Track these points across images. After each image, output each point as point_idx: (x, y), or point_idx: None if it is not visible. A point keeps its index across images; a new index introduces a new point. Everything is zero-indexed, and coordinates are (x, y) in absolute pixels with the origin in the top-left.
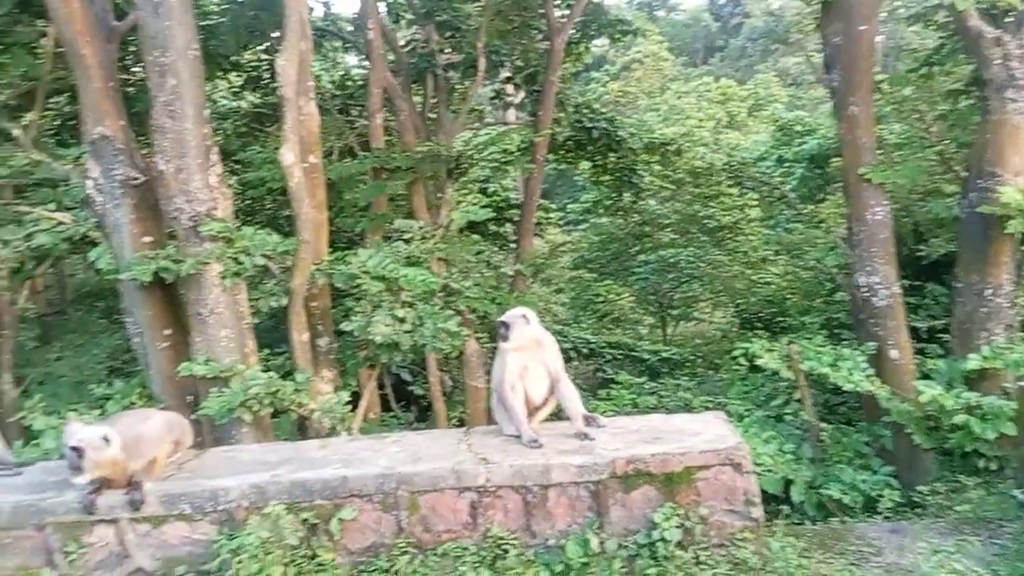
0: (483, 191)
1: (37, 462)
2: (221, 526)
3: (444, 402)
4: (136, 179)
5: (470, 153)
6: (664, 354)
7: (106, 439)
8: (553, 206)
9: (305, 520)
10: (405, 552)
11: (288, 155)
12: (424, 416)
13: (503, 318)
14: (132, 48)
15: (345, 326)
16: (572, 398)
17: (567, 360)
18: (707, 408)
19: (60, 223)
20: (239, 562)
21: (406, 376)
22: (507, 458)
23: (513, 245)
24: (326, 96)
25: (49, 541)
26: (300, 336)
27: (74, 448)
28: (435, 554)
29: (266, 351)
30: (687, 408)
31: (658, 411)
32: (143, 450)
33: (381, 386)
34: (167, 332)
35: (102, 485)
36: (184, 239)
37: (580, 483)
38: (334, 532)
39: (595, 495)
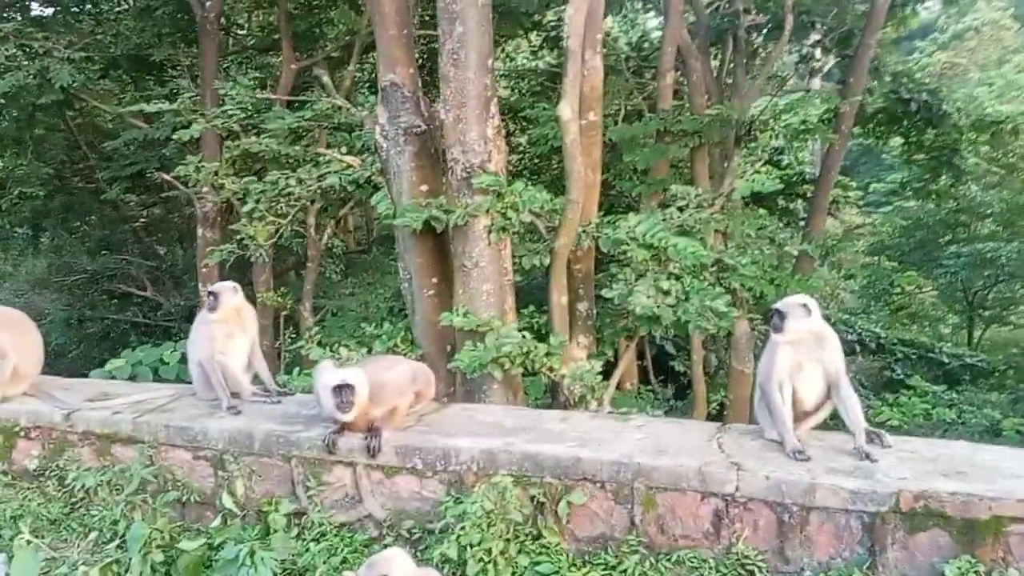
0: (774, 162)
1: (297, 393)
2: (449, 487)
3: (705, 383)
4: (419, 127)
5: (765, 119)
6: (969, 360)
7: (353, 388)
8: (853, 184)
9: (533, 497)
10: (635, 551)
11: (566, 110)
12: (682, 394)
13: (778, 305)
14: None
15: (605, 292)
16: (853, 407)
17: (850, 353)
18: (1021, 433)
19: (349, 166)
20: (462, 528)
21: (669, 349)
22: (764, 467)
23: (802, 223)
24: (620, 56)
25: (294, 473)
26: (559, 298)
27: (341, 387)
28: (668, 559)
29: (531, 309)
30: (994, 431)
31: (956, 427)
32: (386, 397)
33: (641, 356)
34: (434, 280)
35: (344, 428)
36: (456, 190)
37: (852, 511)
38: (561, 515)
39: (869, 529)
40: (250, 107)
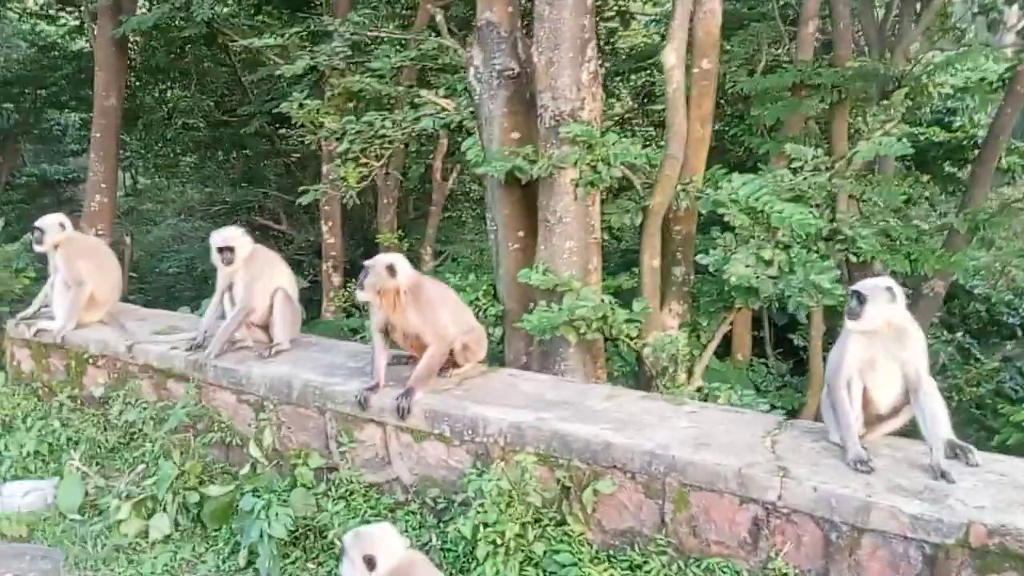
0: (944, 124)
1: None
2: (476, 459)
3: (824, 359)
4: (512, 70)
5: (917, 75)
6: None
7: (391, 268)
8: None
9: (559, 480)
10: (664, 552)
11: (671, 55)
12: (801, 369)
13: (857, 286)
14: None
15: (701, 259)
16: (933, 416)
17: (1009, 337)
18: None
19: (443, 109)
20: (480, 506)
21: (794, 319)
22: (815, 475)
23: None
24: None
25: (328, 427)
26: (651, 261)
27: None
28: (698, 566)
29: (621, 276)
30: None
31: None
32: (437, 317)
33: (760, 326)
34: (520, 234)
35: (377, 386)
36: (544, 139)
37: (911, 539)
38: (587, 503)
39: (931, 562)
40: (363, 43)
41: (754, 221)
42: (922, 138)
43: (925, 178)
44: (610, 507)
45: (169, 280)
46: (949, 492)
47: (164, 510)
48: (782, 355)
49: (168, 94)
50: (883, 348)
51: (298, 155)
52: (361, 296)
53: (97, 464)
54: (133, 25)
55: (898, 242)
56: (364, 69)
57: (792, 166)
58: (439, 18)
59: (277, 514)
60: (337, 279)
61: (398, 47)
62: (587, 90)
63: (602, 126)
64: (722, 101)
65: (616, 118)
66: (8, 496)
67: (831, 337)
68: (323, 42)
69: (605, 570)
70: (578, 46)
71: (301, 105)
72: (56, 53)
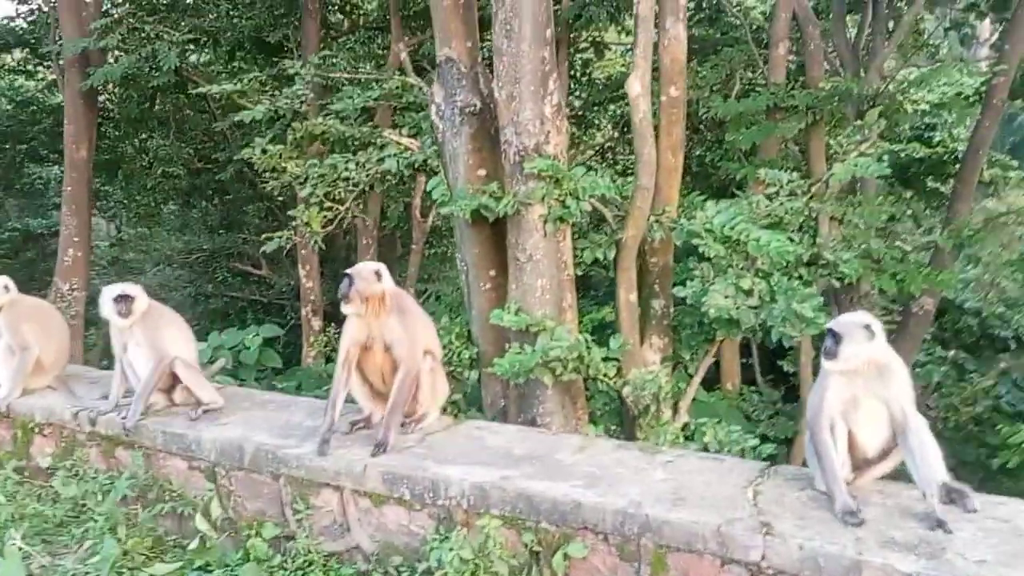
0: (923, 139)
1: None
2: (439, 523)
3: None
4: (475, 106)
5: (893, 93)
6: None
7: (378, 273)
8: (1014, 164)
9: (527, 544)
10: None
11: (635, 84)
12: (794, 395)
13: (832, 324)
14: None
15: (678, 291)
16: (926, 456)
17: (1003, 350)
18: None
19: (407, 148)
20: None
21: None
22: (801, 530)
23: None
24: (745, 25)
25: (282, 493)
26: (627, 295)
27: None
28: None
29: (605, 308)
30: None
31: None
32: (412, 323)
33: (748, 353)
34: (491, 274)
35: (360, 424)
36: (509, 175)
37: None
38: (557, 568)
39: None
40: (331, 85)
41: (731, 250)
42: (902, 155)
43: (908, 194)
44: (583, 572)
45: None
46: (947, 544)
47: None
48: (773, 381)
49: (149, 143)
50: (865, 387)
51: (281, 199)
52: (347, 308)
53: (43, 541)
54: (101, 77)
55: (883, 263)
56: (327, 111)
57: (768, 191)
58: (403, 56)
59: None
60: (317, 323)
61: (365, 87)
62: (551, 123)
63: (577, 158)
64: (700, 127)
65: (597, 148)
66: None
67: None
68: (289, 86)
69: None
70: (539, 79)
71: (264, 151)
72: (35, 107)
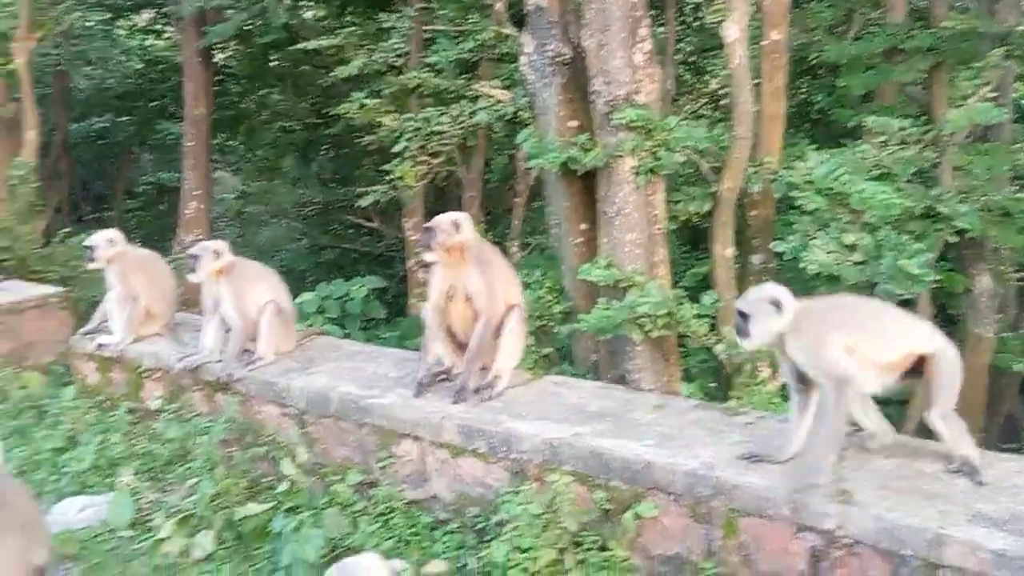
0: None
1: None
2: (513, 477)
3: None
4: (565, 55)
5: None
6: None
7: (456, 224)
8: None
9: (597, 502)
10: None
11: (732, 29)
12: None
13: (739, 303)
14: None
15: (776, 246)
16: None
17: None
18: None
19: (499, 101)
20: (514, 530)
21: None
22: (882, 500)
23: None
24: None
25: (366, 441)
26: (723, 250)
27: (427, 227)
28: None
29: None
30: None
31: None
32: (495, 277)
33: None
34: (582, 227)
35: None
36: (598, 126)
37: None
38: (628, 527)
39: None
40: (424, 39)
41: (834, 203)
42: None
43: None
44: (654, 532)
45: None
46: None
47: (208, 528)
48: None
49: (267, 98)
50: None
51: (393, 152)
52: (428, 256)
53: (152, 478)
54: (215, 35)
55: (1012, 216)
56: (424, 65)
57: (878, 140)
58: (498, 6)
59: (308, 536)
60: (421, 275)
61: (464, 38)
62: (643, 72)
63: (688, 107)
64: (811, 72)
65: (710, 95)
66: (62, 513)
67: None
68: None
69: None
70: (629, 26)
71: (362, 105)
72: (163, 66)
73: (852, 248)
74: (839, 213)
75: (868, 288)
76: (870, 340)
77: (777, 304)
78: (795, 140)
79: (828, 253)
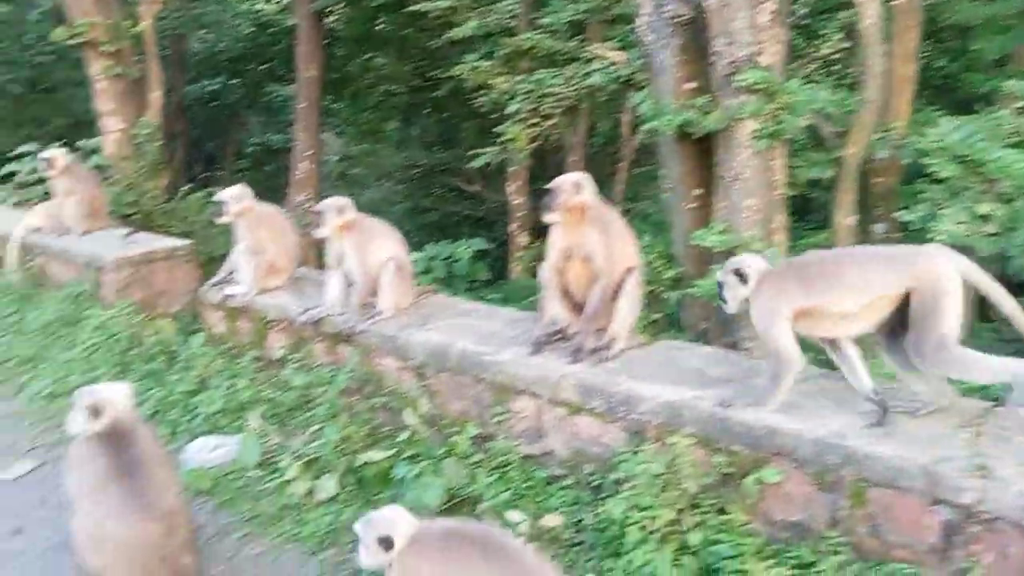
0: None
1: None
2: (631, 437)
3: None
4: (685, 15)
5: None
6: None
7: (577, 184)
8: None
9: (717, 465)
10: (838, 552)
11: None
12: None
13: (719, 274)
14: None
15: (903, 215)
16: None
17: None
18: None
19: (614, 62)
20: (633, 488)
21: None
22: None
23: None
24: None
25: (483, 396)
26: (845, 220)
27: (549, 189)
28: (878, 571)
29: (823, 233)
30: None
31: None
32: (614, 240)
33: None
34: (697, 192)
35: (557, 335)
36: (718, 88)
37: None
38: (749, 491)
39: None
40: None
41: (968, 171)
42: None
43: None
44: (776, 497)
45: None
46: None
47: (332, 471)
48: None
49: (373, 62)
50: None
51: (495, 116)
52: (549, 217)
53: (277, 423)
54: None
55: None
56: (537, 27)
57: (1016, 106)
58: None
59: (428, 484)
60: (523, 239)
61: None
62: (766, 32)
63: (800, 71)
64: (941, 34)
65: (822, 60)
66: (198, 451)
67: None
68: (500, 1)
69: (771, 567)
70: None
71: (474, 67)
72: (273, 29)
73: (986, 219)
74: (972, 182)
75: (1001, 261)
76: (824, 294)
77: (740, 274)
78: (919, 107)
79: (959, 224)
